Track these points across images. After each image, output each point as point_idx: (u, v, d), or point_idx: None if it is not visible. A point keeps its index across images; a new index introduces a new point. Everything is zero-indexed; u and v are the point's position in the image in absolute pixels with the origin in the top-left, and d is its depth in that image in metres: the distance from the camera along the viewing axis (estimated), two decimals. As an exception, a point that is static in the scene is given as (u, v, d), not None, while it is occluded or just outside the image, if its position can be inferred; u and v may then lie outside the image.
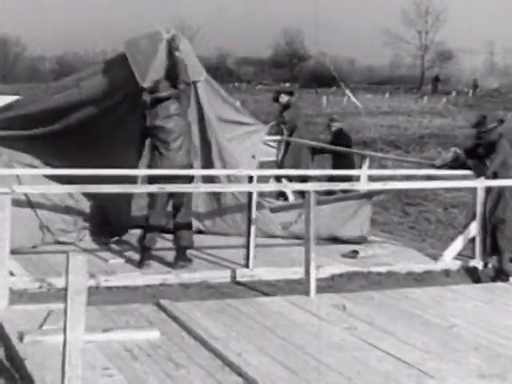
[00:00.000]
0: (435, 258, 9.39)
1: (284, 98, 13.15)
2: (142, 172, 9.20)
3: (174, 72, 9.03)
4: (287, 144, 12.75)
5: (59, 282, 7.32)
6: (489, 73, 74.06)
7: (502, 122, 9.26)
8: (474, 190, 9.46)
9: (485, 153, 9.17)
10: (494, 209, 9.12)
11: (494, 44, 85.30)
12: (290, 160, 12.53)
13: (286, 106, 13.13)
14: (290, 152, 12.67)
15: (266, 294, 7.90)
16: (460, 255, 9.37)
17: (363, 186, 9.90)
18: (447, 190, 14.04)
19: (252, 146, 10.66)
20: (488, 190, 9.13)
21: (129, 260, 8.78)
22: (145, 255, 8.70)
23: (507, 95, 54.62)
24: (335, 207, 10.15)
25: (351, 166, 11.71)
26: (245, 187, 9.04)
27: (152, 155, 8.83)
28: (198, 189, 9.06)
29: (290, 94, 13.54)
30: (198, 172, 9.41)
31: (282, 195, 11.91)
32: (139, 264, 8.62)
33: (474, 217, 9.40)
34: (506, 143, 9.17)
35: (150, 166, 8.84)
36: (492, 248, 9.17)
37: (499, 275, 8.90)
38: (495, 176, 9.03)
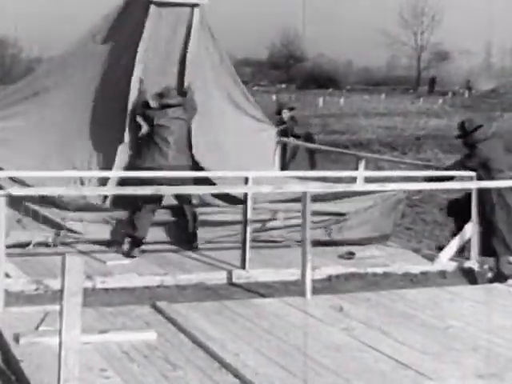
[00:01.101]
0: (431, 259, 9.39)
1: (286, 114, 13.58)
2: (142, 174, 9.18)
3: None
4: (294, 150, 13.01)
5: (56, 284, 7.27)
6: (485, 74, 74.10)
7: (480, 126, 9.38)
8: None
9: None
10: (483, 211, 9.15)
11: (491, 45, 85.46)
12: (298, 165, 12.72)
13: (291, 119, 13.52)
14: (297, 158, 12.90)
15: (263, 296, 7.90)
16: (456, 256, 9.38)
17: (360, 187, 9.90)
18: (443, 191, 14.03)
19: (260, 146, 10.72)
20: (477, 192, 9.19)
21: (126, 261, 8.78)
22: (135, 245, 9.00)
23: (504, 96, 54.72)
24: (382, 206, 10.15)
25: (314, 164, 12.42)
26: (240, 189, 9.02)
27: (151, 153, 9.11)
28: (196, 191, 9.06)
29: (292, 109, 13.99)
30: (194, 174, 9.39)
31: None
32: (127, 253, 8.94)
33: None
34: (484, 148, 9.24)
35: (147, 163, 9.09)
36: (484, 249, 9.20)
37: (497, 278, 8.90)
38: (479, 178, 9.12)
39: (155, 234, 9.30)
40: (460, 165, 9.35)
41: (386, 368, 5.65)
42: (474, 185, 9.12)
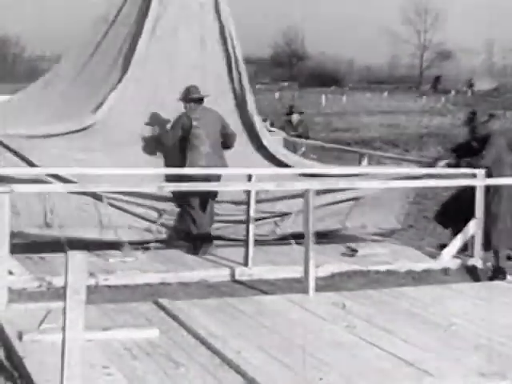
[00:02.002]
0: (434, 256, 9.39)
1: (296, 117, 13.76)
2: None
3: None
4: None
5: (59, 281, 7.29)
6: (487, 72, 74.07)
7: (492, 116, 9.41)
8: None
9: (479, 147, 9.23)
10: (487, 205, 9.15)
11: (493, 44, 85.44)
12: None
13: (300, 122, 13.69)
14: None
15: (266, 293, 7.90)
16: (459, 253, 9.37)
17: (362, 184, 9.88)
18: (446, 188, 14.02)
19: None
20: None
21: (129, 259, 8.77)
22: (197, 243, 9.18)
23: (506, 95, 54.72)
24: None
25: None
26: (243, 186, 9.01)
27: (189, 156, 9.21)
28: (196, 188, 9.04)
29: (301, 114, 14.23)
30: (197, 171, 9.38)
31: None
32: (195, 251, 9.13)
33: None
34: (499, 139, 9.22)
35: (185, 164, 9.21)
36: (486, 244, 9.20)
37: (496, 274, 8.90)
38: (489, 172, 9.09)
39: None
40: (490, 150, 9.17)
41: (387, 365, 5.64)
42: (478, 182, 9.11)
